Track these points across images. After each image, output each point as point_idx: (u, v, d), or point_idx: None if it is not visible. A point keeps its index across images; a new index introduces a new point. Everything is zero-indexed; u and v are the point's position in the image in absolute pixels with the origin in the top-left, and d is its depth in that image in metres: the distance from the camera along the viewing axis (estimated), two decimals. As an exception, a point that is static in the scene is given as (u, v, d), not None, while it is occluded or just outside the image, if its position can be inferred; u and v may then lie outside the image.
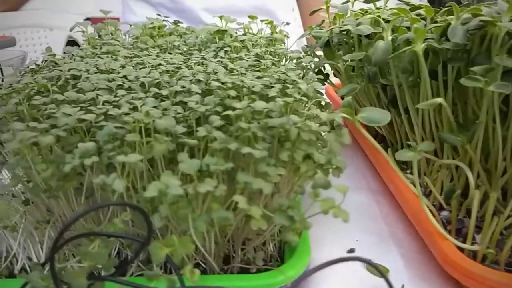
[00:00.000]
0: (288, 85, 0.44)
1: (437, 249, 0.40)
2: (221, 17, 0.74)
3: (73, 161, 0.32)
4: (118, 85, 0.42)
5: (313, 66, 0.62)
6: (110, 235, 0.30)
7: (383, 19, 0.54)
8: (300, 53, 0.68)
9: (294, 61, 0.59)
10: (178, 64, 0.50)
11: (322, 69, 0.66)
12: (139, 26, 0.72)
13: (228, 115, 0.36)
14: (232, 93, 0.39)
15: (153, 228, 0.29)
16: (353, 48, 0.58)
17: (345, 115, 0.39)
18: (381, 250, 0.45)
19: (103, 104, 0.37)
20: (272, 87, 0.42)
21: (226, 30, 0.66)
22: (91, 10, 2.44)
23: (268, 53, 0.61)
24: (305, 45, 0.72)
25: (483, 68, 0.38)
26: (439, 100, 0.39)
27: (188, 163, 0.30)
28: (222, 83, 0.41)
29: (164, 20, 0.82)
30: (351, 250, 0.45)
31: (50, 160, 0.33)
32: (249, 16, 0.78)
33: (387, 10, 0.55)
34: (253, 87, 0.40)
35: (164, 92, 0.39)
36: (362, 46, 0.53)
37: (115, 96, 0.40)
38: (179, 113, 0.37)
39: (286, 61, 0.63)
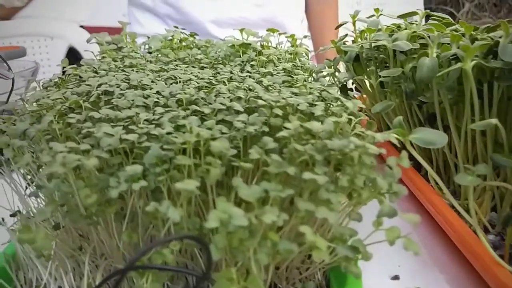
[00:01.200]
0: (330, 103, 0.42)
1: (490, 275, 0.38)
2: (241, 30, 0.73)
3: (119, 185, 0.29)
4: (155, 102, 0.40)
5: (341, 80, 0.60)
6: (171, 270, 0.27)
7: (419, 35, 0.52)
8: (325, 67, 0.67)
9: (326, 76, 0.57)
10: (209, 79, 0.48)
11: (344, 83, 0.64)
12: (158, 38, 0.70)
13: (275, 134, 0.34)
14: (278, 111, 0.37)
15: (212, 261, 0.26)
16: (385, 64, 0.56)
17: (396, 136, 0.37)
18: (426, 276, 0.43)
19: (143, 123, 0.35)
20: (314, 105, 0.41)
21: (250, 44, 0.64)
22: (85, 18, 2.42)
23: (297, 67, 0.60)
24: (327, 59, 0.70)
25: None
26: (494, 121, 0.38)
27: (247, 189, 0.28)
28: (264, 101, 0.39)
29: (181, 32, 0.80)
30: (396, 277, 0.43)
31: (93, 184, 0.31)
32: (269, 29, 0.76)
33: (422, 25, 0.54)
34: (298, 105, 0.38)
35: (206, 110, 0.37)
36: (397, 62, 0.52)
37: (154, 113, 0.37)
38: (224, 133, 0.35)
39: (315, 75, 0.61)
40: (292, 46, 0.75)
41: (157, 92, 0.43)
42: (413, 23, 0.59)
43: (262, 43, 0.75)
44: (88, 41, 0.69)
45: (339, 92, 0.63)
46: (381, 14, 0.66)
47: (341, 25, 0.67)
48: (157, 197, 0.32)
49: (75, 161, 0.29)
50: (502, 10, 3.73)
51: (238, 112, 0.38)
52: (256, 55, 0.61)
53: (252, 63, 0.59)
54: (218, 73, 0.55)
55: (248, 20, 1.12)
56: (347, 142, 0.31)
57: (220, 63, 0.62)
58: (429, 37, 0.49)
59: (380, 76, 0.53)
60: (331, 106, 0.41)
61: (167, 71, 0.52)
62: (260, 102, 0.37)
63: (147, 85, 0.44)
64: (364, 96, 0.68)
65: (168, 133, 0.33)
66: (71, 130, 0.36)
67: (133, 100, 0.39)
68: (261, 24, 1.14)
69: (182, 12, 1.08)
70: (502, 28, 0.41)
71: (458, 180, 0.36)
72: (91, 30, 1.98)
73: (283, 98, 0.39)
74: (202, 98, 0.41)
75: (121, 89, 0.42)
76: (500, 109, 0.46)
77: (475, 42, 0.44)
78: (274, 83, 0.49)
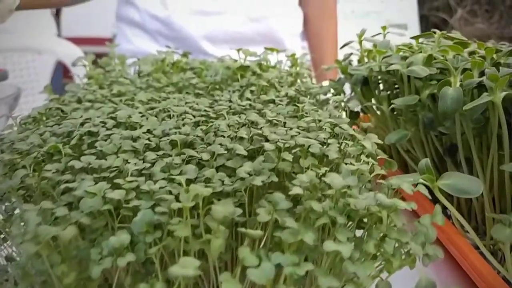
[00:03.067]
0: (344, 142, 0.37)
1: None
2: (238, 50, 0.68)
3: (102, 261, 0.24)
4: (145, 145, 0.35)
5: (350, 107, 0.56)
6: None
7: (435, 58, 0.48)
8: (329, 90, 0.62)
9: (332, 102, 0.52)
10: (206, 111, 0.44)
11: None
12: (149, 60, 0.65)
13: (285, 186, 0.29)
14: (287, 157, 0.32)
15: None
16: (397, 88, 0.52)
17: (425, 181, 0.32)
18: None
19: (131, 174, 0.30)
20: (326, 143, 0.36)
21: (248, 66, 0.60)
22: (72, 29, 2.36)
23: (300, 92, 0.55)
24: (331, 80, 0.66)
25: None
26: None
27: (257, 269, 0.23)
28: (268, 141, 0.34)
29: (173, 51, 0.75)
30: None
31: (70, 256, 0.25)
32: (267, 48, 0.72)
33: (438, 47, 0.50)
34: (309, 146, 0.34)
35: (204, 156, 0.32)
36: (412, 88, 0.47)
37: (144, 161, 0.32)
38: (226, 184, 0.30)
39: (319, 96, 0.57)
40: (292, 65, 0.71)
41: (148, 131, 0.38)
42: (424, 44, 0.54)
43: (261, 63, 0.71)
44: (73, 64, 0.64)
45: (347, 116, 0.58)
46: (388, 32, 0.62)
47: (346, 44, 0.62)
48: (149, 269, 0.27)
49: (49, 234, 0.24)
50: (494, 16, 3.74)
51: (239, 155, 0.33)
52: (255, 78, 0.57)
53: (252, 88, 0.54)
54: (216, 101, 0.50)
55: (243, 35, 1.07)
56: (373, 200, 0.26)
57: (217, 88, 0.57)
58: (446, 59, 0.45)
59: (392, 103, 0.49)
60: (346, 144, 0.36)
61: (160, 102, 0.47)
62: (267, 146, 0.32)
63: (137, 122, 0.39)
64: (369, 114, 0.63)
65: (161, 188, 0.28)
66: (47, 183, 0.31)
67: (120, 144, 0.34)
68: (257, 39, 1.09)
69: (172, 28, 1.03)
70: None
71: (495, 233, 0.31)
72: (79, 41, 1.94)
73: (292, 137, 0.35)
74: (199, 137, 0.36)
75: (107, 128, 0.37)
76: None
77: (501, 70, 0.40)
78: (278, 114, 0.44)
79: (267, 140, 0.35)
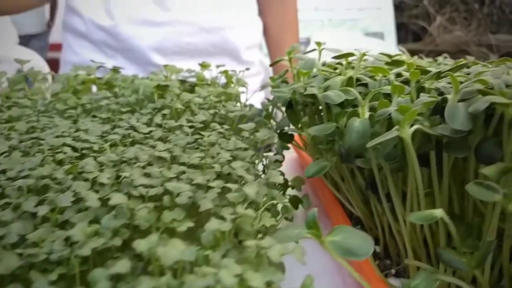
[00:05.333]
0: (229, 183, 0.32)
1: None
2: (165, 66, 0.63)
3: None
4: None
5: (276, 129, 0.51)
6: None
7: (358, 79, 0.43)
8: (261, 111, 0.57)
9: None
10: (90, 143, 0.38)
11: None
12: (64, 77, 0.59)
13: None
14: (143, 211, 0.26)
15: None
16: (321, 115, 0.47)
17: (310, 236, 0.27)
18: None
19: None
20: (210, 186, 0.31)
21: (167, 86, 0.54)
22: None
23: (219, 116, 0.50)
24: (266, 98, 0.61)
25: (498, 169, 0.27)
26: (438, 213, 0.28)
27: None
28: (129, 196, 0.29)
29: (100, 66, 0.70)
30: None
31: None
32: (201, 65, 0.67)
33: (362, 68, 0.45)
34: (177, 195, 0.28)
35: (41, 211, 0.27)
36: (332, 115, 0.42)
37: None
38: (53, 251, 0.24)
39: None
40: (227, 83, 0.66)
41: (3, 171, 0.32)
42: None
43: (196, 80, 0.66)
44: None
45: (277, 139, 0.53)
46: (323, 49, 0.57)
47: (276, 62, 0.57)
48: None
49: None
50: (472, 24, 3.76)
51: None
52: (170, 100, 0.51)
53: (165, 111, 0.49)
54: (114, 127, 0.44)
55: (195, 46, 1.02)
56: (213, 281, 0.20)
57: (129, 111, 0.51)
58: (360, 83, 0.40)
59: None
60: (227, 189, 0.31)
61: (43, 129, 0.41)
62: (115, 198, 0.26)
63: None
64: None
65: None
66: None
67: None
68: (211, 51, 1.04)
69: (119, 39, 0.97)
70: (451, 81, 0.32)
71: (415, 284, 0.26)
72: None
73: (162, 185, 0.29)
74: (56, 180, 0.31)
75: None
76: (456, 176, 0.37)
77: (421, 97, 0.35)
78: (175, 145, 0.39)
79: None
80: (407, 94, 0.39)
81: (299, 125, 0.48)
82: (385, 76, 0.43)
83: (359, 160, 0.39)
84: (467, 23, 3.67)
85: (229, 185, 0.30)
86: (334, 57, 0.46)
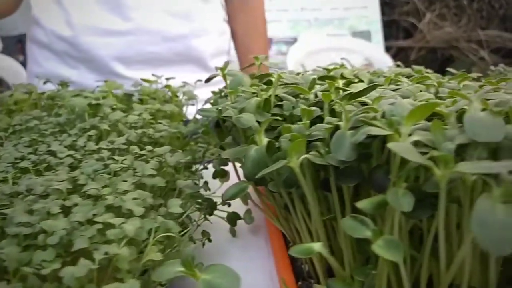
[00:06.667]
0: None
1: None
2: (106, 81, 0.62)
3: None
4: None
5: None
6: None
7: (278, 97, 0.43)
8: (197, 131, 0.56)
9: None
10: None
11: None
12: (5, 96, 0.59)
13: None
14: (13, 262, 0.26)
15: None
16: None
17: (183, 274, 0.27)
18: None
19: None
20: (95, 221, 0.30)
21: (99, 105, 0.53)
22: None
23: (147, 136, 0.49)
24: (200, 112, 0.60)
25: (374, 202, 0.27)
26: (316, 247, 0.27)
27: None
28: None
29: (47, 81, 0.69)
30: None
31: None
32: (144, 80, 0.66)
33: (282, 87, 0.44)
34: (52, 234, 0.28)
35: None
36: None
37: None
38: None
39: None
40: (172, 98, 0.65)
41: None
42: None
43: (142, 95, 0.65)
44: None
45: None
46: (260, 63, 0.56)
47: (210, 79, 0.56)
48: None
49: None
50: (462, 20, 3.76)
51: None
52: (99, 120, 0.50)
53: (91, 132, 0.48)
54: (36, 150, 0.44)
55: (159, 55, 1.01)
56: None
57: (59, 131, 0.51)
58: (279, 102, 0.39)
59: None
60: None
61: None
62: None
63: None
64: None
65: None
66: None
67: None
68: (175, 59, 1.03)
69: (80, 50, 0.96)
70: (343, 110, 0.31)
71: None
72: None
73: (38, 223, 0.29)
74: None
75: None
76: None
77: (316, 125, 0.34)
78: (82, 173, 0.38)
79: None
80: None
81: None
82: (305, 98, 0.42)
83: (270, 183, 0.38)
84: (457, 19, 3.67)
85: (113, 220, 0.30)
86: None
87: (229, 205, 0.52)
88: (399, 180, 0.26)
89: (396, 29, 3.67)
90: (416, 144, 0.27)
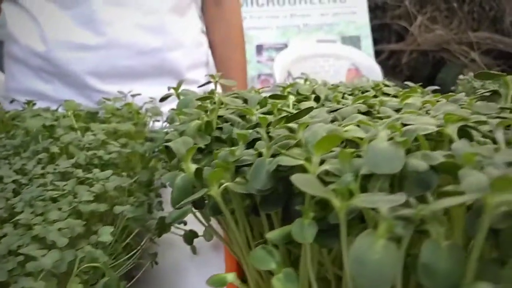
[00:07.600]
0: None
1: None
2: (66, 102, 0.62)
3: None
4: None
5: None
6: None
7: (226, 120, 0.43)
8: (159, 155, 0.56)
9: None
10: None
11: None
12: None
13: None
14: None
15: None
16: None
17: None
18: None
19: None
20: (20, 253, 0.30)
21: (53, 126, 0.54)
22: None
23: (98, 158, 0.49)
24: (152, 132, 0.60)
25: (284, 233, 0.27)
26: (229, 278, 0.28)
27: None
28: None
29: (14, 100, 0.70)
30: None
31: None
32: (105, 98, 0.66)
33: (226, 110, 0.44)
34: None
35: None
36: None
37: None
38: None
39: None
40: (135, 114, 0.65)
41: None
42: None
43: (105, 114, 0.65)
44: None
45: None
46: (217, 81, 0.56)
47: (165, 98, 0.56)
48: None
49: None
50: (453, 22, 3.77)
51: None
52: (52, 142, 0.51)
53: (41, 155, 0.48)
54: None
55: (133, 69, 1.01)
56: None
57: (13, 154, 0.51)
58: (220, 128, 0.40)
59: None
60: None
61: None
62: None
63: None
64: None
65: None
66: None
67: None
68: (151, 72, 1.03)
69: (54, 65, 0.96)
70: (264, 139, 0.32)
71: None
72: None
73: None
74: None
75: None
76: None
77: (257, 145, 0.34)
78: (21, 200, 0.38)
79: None
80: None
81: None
82: (248, 118, 0.43)
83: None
84: (448, 22, 3.68)
85: (35, 252, 0.30)
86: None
87: (185, 223, 0.52)
88: (306, 210, 0.26)
89: (388, 33, 3.68)
90: (327, 173, 0.27)
